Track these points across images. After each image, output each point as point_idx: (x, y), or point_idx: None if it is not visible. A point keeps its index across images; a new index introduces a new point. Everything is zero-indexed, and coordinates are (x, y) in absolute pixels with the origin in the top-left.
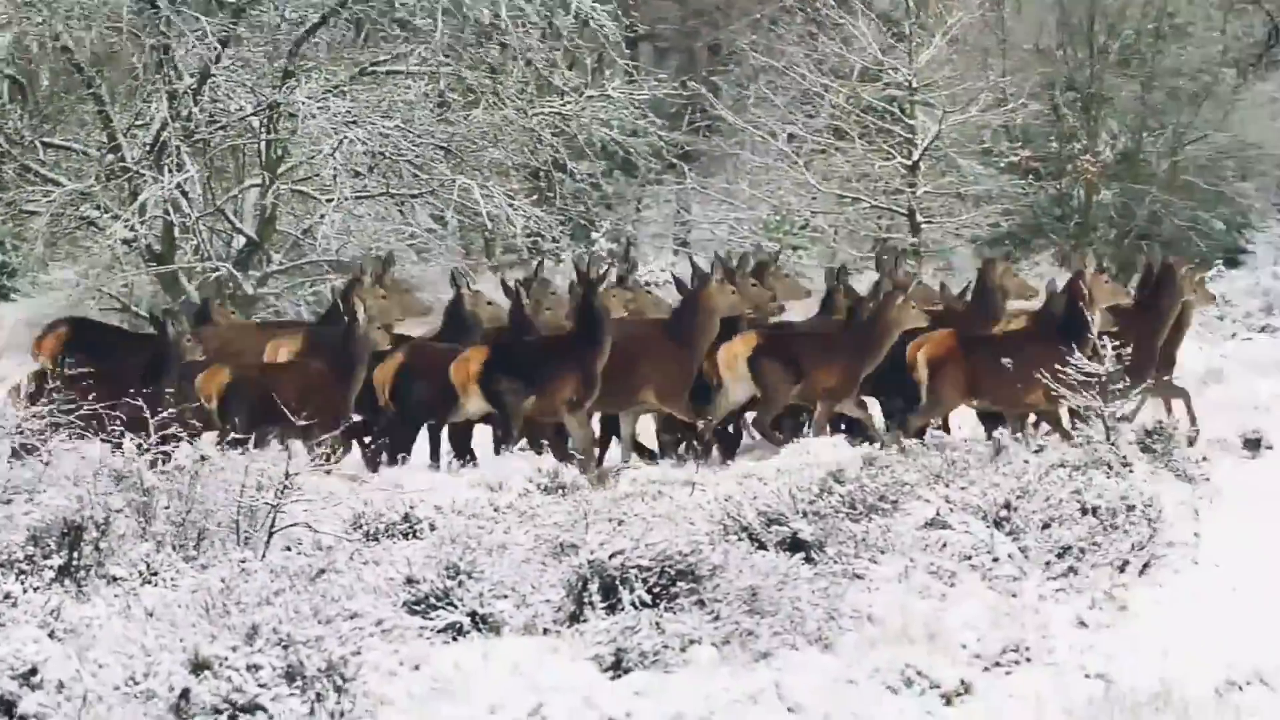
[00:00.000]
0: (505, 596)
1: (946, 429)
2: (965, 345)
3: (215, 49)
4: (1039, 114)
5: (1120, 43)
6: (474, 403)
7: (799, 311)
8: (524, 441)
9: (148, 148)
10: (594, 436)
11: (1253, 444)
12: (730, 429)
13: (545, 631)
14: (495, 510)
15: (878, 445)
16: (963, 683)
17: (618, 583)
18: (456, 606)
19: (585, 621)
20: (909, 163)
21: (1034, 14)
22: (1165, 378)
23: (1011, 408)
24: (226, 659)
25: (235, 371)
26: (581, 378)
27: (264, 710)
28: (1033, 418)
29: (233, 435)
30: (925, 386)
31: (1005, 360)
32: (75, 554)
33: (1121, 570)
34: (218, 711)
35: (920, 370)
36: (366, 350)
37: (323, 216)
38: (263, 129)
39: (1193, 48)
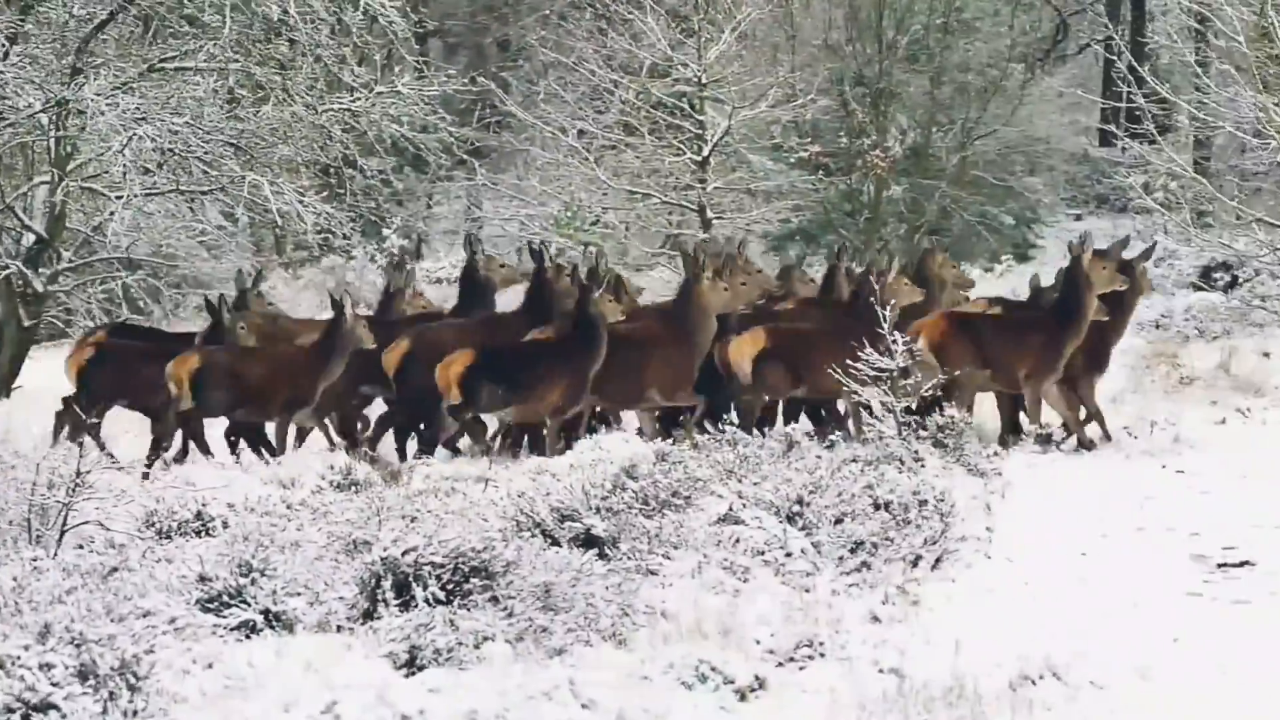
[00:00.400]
0: (299, 594)
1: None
2: (964, 325)
3: (3, 46)
4: (828, 109)
5: (909, 38)
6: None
7: None
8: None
9: None
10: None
11: (1043, 439)
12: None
13: (339, 629)
14: (288, 507)
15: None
16: (757, 678)
17: (411, 580)
18: (250, 604)
19: (379, 619)
20: (699, 158)
21: (822, 9)
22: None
23: (1010, 387)
24: (18, 658)
25: (206, 356)
26: (569, 384)
27: (57, 709)
28: None
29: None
30: None
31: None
32: None
33: (914, 565)
34: (10, 711)
35: (926, 355)
36: (349, 344)
37: (113, 214)
38: (52, 126)
39: (981, 43)
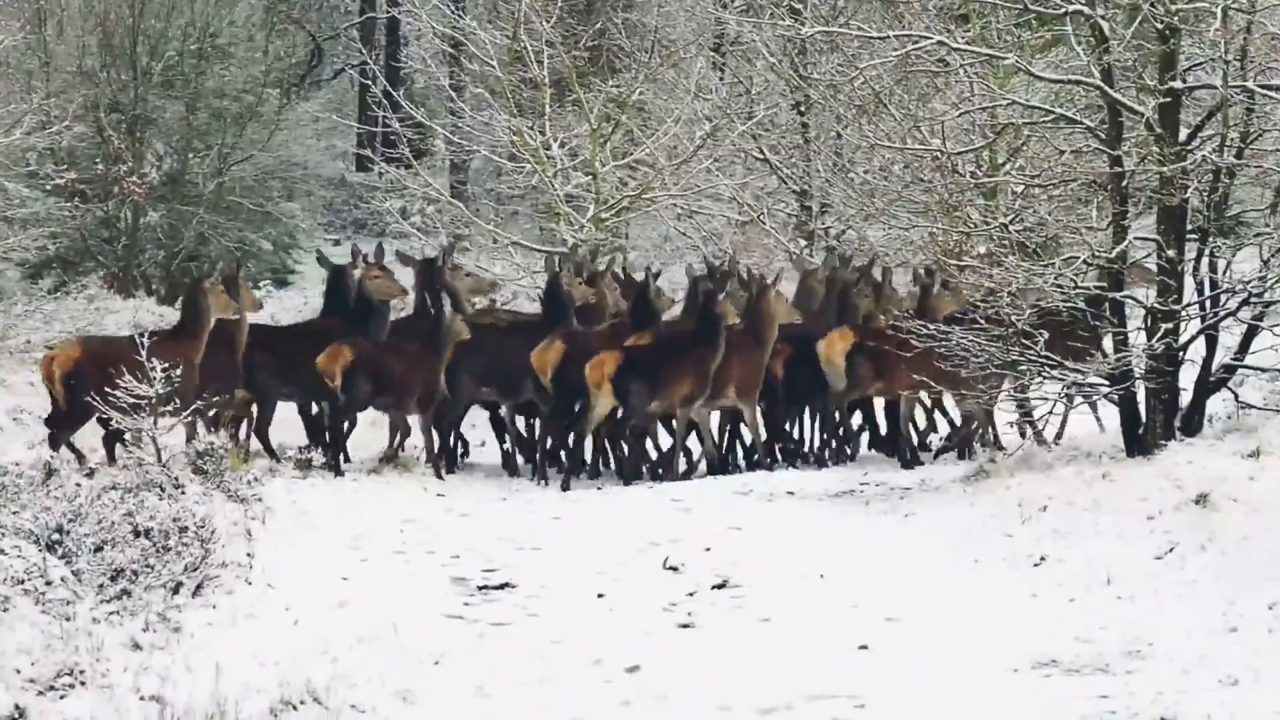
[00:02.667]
0: None
1: None
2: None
3: None
4: (84, 136)
5: (164, 64)
6: None
7: None
8: None
9: None
10: None
11: (304, 464)
12: None
13: None
14: None
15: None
16: (17, 707)
17: None
18: None
19: None
20: None
21: (76, 36)
22: None
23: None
24: None
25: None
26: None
27: None
28: None
29: None
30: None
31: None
32: None
33: (175, 592)
34: None
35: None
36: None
37: None
38: None
39: (236, 68)
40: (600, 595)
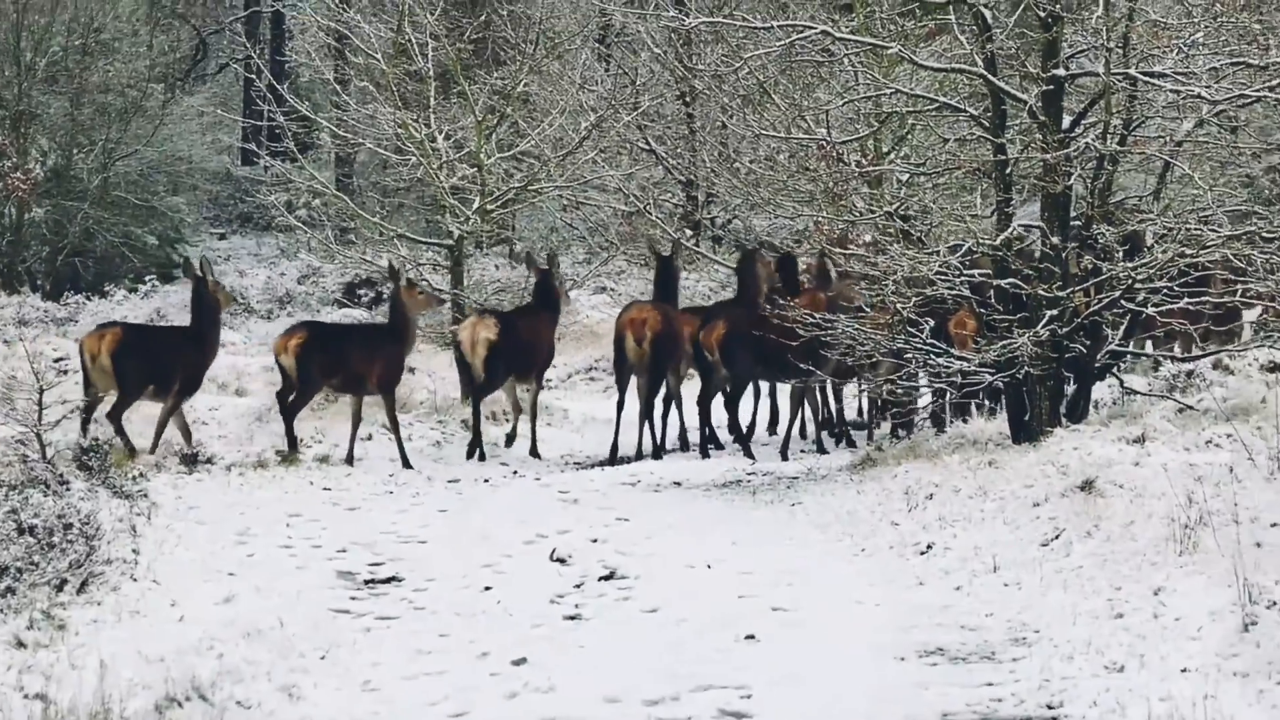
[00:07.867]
0: None
1: None
2: None
3: None
4: None
5: (48, 59)
6: None
7: None
8: None
9: None
10: None
11: (190, 459)
12: None
13: None
14: None
15: None
16: None
17: None
18: None
19: None
20: None
21: None
22: None
23: None
24: None
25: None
26: None
27: None
28: None
29: None
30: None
31: None
32: None
33: (60, 589)
34: None
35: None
36: None
37: None
38: None
39: (121, 63)
40: (487, 588)
